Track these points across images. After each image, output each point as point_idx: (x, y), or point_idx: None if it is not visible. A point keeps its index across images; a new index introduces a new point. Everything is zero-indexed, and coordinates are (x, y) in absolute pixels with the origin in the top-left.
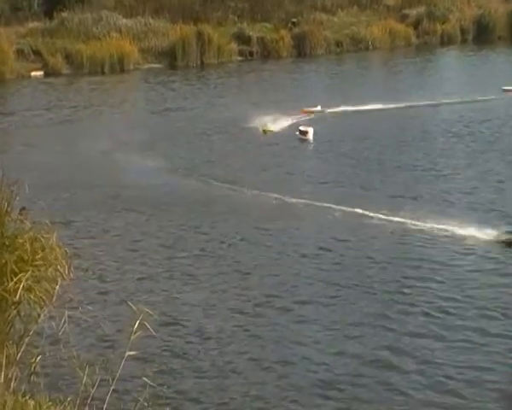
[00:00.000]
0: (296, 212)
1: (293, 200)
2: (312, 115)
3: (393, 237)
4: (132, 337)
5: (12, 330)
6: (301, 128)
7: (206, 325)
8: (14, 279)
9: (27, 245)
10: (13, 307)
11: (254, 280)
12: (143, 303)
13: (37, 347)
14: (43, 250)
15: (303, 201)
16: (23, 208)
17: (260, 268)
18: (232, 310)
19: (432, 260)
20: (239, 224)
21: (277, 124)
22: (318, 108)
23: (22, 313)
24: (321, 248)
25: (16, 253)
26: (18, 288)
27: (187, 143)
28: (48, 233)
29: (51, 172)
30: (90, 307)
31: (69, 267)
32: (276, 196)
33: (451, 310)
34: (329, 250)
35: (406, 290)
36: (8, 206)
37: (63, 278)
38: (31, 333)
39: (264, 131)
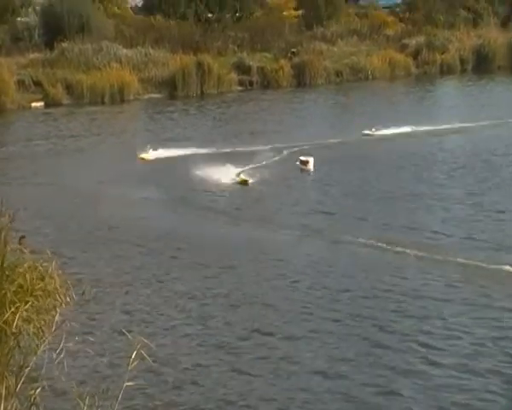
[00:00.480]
0: (291, 243)
1: (289, 231)
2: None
3: (389, 269)
4: (130, 367)
5: (11, 360)
6: (302, 158)
7: (200, 357)
8: (14, 310)
9: (27, 275)
10: (12, 337)
11: (245, 314)
12: (141, 333)
13: (36, 378)
14: (42, 280)
15: (298, 232)
16: (22, 237)
17: (252, 301)
18: (224, 344)
19: (426, 293)
20: (231, 257)
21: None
22: (150, 151)
23: (21, 344)
24: (314, 281)
25: (16, 283)
26: (18, 319)
27: (183, 175)
28: (47, 262)
29: (48, 202)
30: (89, 337)
31: (68, 296)
32: (271, 227)
33: (443, 346)
34: (323, 283)
35: (398, 325)
36: (7, 235)
37: (62, 307)
38: (30, 364)
39: (244, 182)
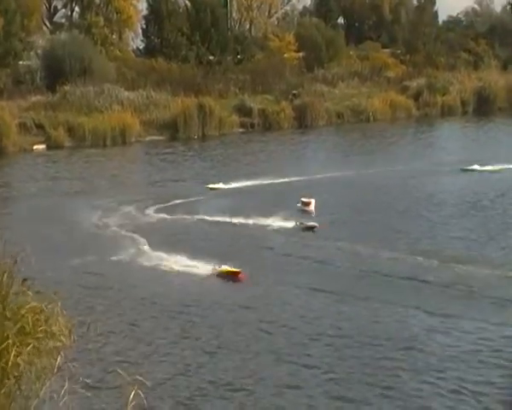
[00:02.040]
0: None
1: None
2: None
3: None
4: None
5: (13, 404)
6: (303, 199)
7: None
8: (15, 353)
9: (29, 317)
10: (14, 380)
11: (230, 362)
12: (144, 374)
13: None
14: (45, 321)
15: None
16: (25, 280)
17: (240, 347)
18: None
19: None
20: (215, 308)
21: None
22: None
23: (23, 387)
24: (309, 335)
25: (18, 325)
26: (19, 361)
27: (179, 218)
28: (50, 304)
29: (46, 243)
30: (87, 380)
31: (72, 338)
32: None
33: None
34: (315, 334)
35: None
36: (9, 277)
37: (64, 349)
38: (32, 407)
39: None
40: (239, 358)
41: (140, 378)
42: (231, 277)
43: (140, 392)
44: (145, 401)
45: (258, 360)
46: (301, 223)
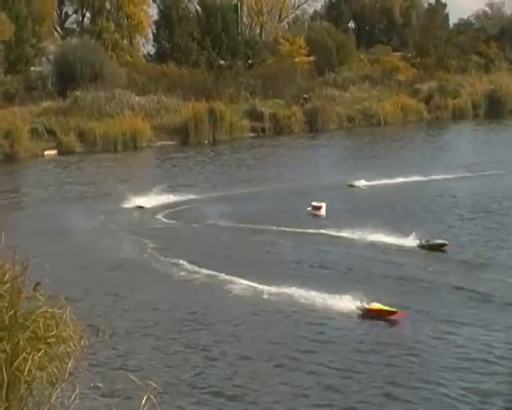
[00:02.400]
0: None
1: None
2: None
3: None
4: None
5: (25, 409)
6: (314, 203)
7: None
8: (27, 358)
9: (40, 322)
10: (25, 385)
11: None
12: (154, 377)
13: None
14: (56, 326)
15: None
16: (37, 284)
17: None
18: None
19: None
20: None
21: None
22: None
23: (34, 392)
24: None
25: (30, 330)
26: (31, 367)
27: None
28: (61, 308)
29: (54, 249)
30: (99, 385)
31: (82, 343)
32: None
33: None
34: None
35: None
36: (20, 283)
37: (75, 354)
38: None
39: None
40: None
41: (151, 383)
42: (384, 316)
43: (152, 397)
44: (158, 407)
45: None
46: (427, 241)
